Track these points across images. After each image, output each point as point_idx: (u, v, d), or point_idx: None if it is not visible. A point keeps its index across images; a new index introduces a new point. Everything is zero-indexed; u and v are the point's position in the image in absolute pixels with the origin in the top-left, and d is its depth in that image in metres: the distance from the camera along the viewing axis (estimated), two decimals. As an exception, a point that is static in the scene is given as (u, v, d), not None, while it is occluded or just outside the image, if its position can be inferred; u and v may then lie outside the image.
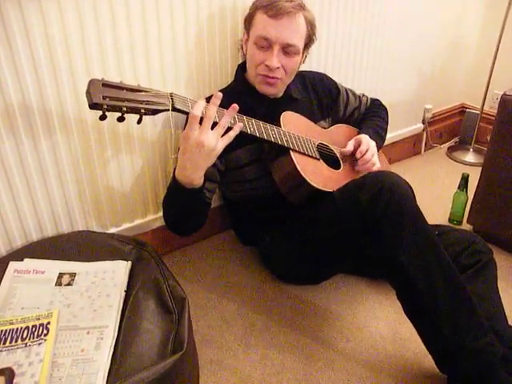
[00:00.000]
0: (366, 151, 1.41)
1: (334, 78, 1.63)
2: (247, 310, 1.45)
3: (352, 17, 1.81)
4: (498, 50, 2.25)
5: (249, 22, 1.32)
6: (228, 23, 1.47)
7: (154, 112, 1.01)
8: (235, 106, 1.07)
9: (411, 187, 1.19)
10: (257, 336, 1.36)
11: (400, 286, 1.15)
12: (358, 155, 1.41)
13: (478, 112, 2.46)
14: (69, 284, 1.18)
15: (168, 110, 1.02)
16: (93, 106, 0.94)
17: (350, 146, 1.44)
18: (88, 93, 0.94)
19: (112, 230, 1.51)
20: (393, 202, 1.11)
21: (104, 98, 0.95)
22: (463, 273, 1.28)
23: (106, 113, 0.95)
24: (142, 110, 0.98)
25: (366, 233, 1.16)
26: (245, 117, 1.17)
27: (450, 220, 1.92)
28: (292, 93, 1.45)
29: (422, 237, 1.11)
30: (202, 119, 1.03)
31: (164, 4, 1.31)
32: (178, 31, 1.37)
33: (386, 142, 1.97)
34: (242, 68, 1.42)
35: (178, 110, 1.04)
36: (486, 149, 2.45)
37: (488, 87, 2.34)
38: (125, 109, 0.96)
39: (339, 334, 1.37)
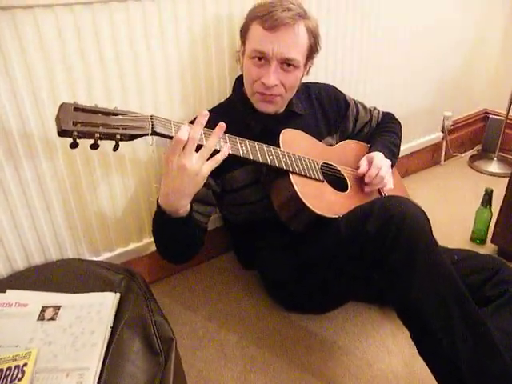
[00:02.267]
0: (377, 174, 1.28)
1: (343, 90, 1.51)
2: (248, 342, 1.34)
3: (363, 25, 1.70)
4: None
5: (244, 33, 1.22)
6: (225, 32, 1.37)
7: (132, 137, 0.91)
8: (222, 125, 0.97)
9: (426, 215, 1.06)
10: (257, 372, 1.25)
11: (413, 326, 1.03)
12: (366, 180, 1.29)
13: (502, 118, 2.31)
14: (52, 318, 1.10)
15: (147, 134, 0.92)
16: (62, 133, 0.84)
17: (363, 167, 1.32)
18: (57, 119, 0.85)
19: (105, 256, 1.42)
20: (404, 233, 0.99)
21: (75, 123, 0.86)
22: (487, 305, 1.15)
23: (78, 140, 0.86)
24: (118, 136, 0.89)
25: (374, 266, 1.04)
26: (238, 138, 1.07)
27: (471, 239, 1.78)
28: (295, 107, 1.33)
29: (437, 272, 0.98)
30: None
31: (152, 14, 1.21)
32: (169, 44, 1.28)
33: (402, 153, 1.87)
34: (240, 81, 1.32)
35: (159, 134, 0.94)
36: (511, 157, 2.34)
37: (514, 91, 2.19)
38: (98, 135, 0.87)
39: (347, 371, 1.24)
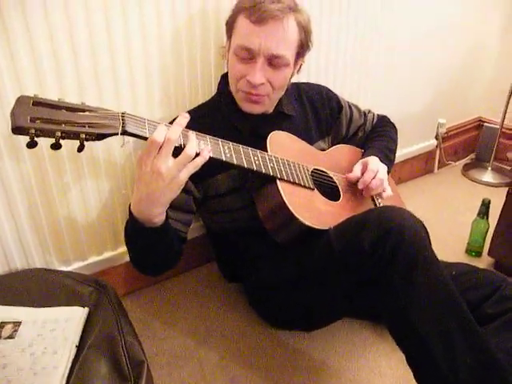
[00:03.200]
0: (372, 180, 1.19)
1: (335, 92, 1.42)
2: (229, 361, 1.24)
3: (358, 27, 1.62)
4: (520, 58, 2.03)
5: (230, 26, 1.12)
6: (211, 26, 1.27)
7: (100, 137, 0.81)
8: (186, 115, 0.87)
9: (425, 228, 0.98)
10: (238, 396, 1.15)
11: (410, 349, 0.93)
12: (360, 185, 1.20)
13: (497, 126, 2.25)
14: (10, 336, 0.99)
15: (117, 133, 0.81)
16: (16, 130, 0.74)
17: (356, 172, 1.22)
18: (12, 114, 0.75)
19: (76, 265, 1.31)
20: (402, 248, 0.90)
21: (33, 120, 0.75)
22: (487, 324, 1.06)
23: (36, 139, 0.75)
24: (83, 135, 0.78)
25: (368, 283, 0.95)
26: (220, 140, 0.97)
27: (467, 251, 1.70)
28: (284, 108, 1.24)
29: (439, 293, 0.90)
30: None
31: (132, 4, 1.11)
32: (150, 39, 1.18)
33: (395, 160, 1.78)
34: (225, 79, 1.22)
35: (131, 134, 0.83)
36: (506, 167, 2.27)
37: (509, 99, 2.13)
38: (59, 134, 0.76)
39: (336, 395, 1.15)
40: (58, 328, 1.00)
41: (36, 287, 1.11)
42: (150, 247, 1.01)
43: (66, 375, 0.89)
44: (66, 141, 0.78)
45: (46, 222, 1.20)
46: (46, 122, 0.76)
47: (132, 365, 0.93)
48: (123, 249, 1.38)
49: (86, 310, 1.04)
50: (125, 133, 0.83)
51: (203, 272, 1.57)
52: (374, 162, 1.24)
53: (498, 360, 0.89)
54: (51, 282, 1.13)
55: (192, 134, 0.89)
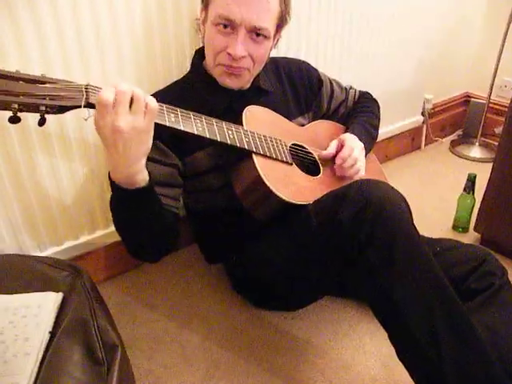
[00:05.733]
0: (349, 156, 1.16)
1: (316, 67, 1.37)
2: (212, 343, 1.21)
3: (340, 3, 1.58)
4: (507, 31, 2.00)
5: None
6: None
7: (61, 110, 0.76)
8: None
9: (407, 202, 0.94)
10: (220, 378, 1.12)
11: (392, 327, 0.91)
12: (337, 161, 1.16)
13: (484, 102, 2.23)
14: (-19, 325, 0.95)
15: (80, 106, 0.77)
16: (-33, 102, 0.69)
17: (331, 148, 1.19)
18: (-37, 86, 0.70)
19: (52, 250, 1.27)
20: (381, 223, 0.87)
21: (-13, 91, 0.70)
22: (472, 299, 1.05)
23: (-9, 112, 0.71)
24: (43, 108, 0.74)
25: (348, 260, 0.92)
26: (192, 113, 0.92)
27: (454, 227, 1.68)
28: (261, 83, 1.19)
29: (420, 268, 0.87)
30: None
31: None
32: (119, 14, 1.12)
33: (381, 137, 1.76)
34: (200, 54, 1.16)
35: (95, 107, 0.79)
36: (493, 142, 2.25)
37: (496, 74, 2.10)
38: (16, 106, 0.72)
39: (320, 374, 1.13)
40: (30, 314, 0.96)
41: (8, 273, 1.07)
42: (140, 217, 0.95)
43: (39, 362, 0.86)
44: (33, 116, 0.75)
45: (16, 205, 1.15)
46: (2, 93, 0.72)
47: (105, 349, 0.90)
48: (101, 232, 1.34)
49: (60, 294, 1.00)
50: (89, 105, 0.78)
51: (184, 254, 1.53)
52: (351, 139, 1.20)
53: (479, 336, 0.87)
54: (23, 268, 1.08)
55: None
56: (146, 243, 1.06)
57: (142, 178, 0.88)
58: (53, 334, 0.92)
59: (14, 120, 0.74)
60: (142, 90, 0.80)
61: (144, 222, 0.98)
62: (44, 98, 0.75)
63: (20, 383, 0.82)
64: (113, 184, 0.89)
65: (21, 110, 0.73)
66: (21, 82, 0.75)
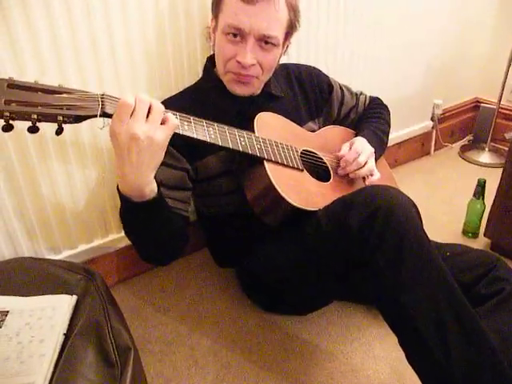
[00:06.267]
0: (354, 160, 1.17)
1: (326, 73, 1.39)
2: (222, 346, 1.23)
3: (350, 9, 1.59)
4: (517, 36, 1.99)
5: (216, 5, 1.08)
6: (195, 5, 1.24)
7: (78, 119, 0.78)
8: None
9: (416, 207, 0.95)
10: (230, 381, 1.13)
11: (402, 332, 0.92)
12: (342, 163, 1.18)
13: (494, 107, 2.22)
14: (-3, 326, 0.98)
15: (96, 115, 0.79)
16: (-10, 113, 0.72)
17: (344, 151, 1.21)
18: (-15, 96, 0.72)
19: (66, 254, 1.29)
20: (390, 227, 0.87)
21: (7, 102, 0.73)
22: (482, 305, 1.05)
23: (11, 122, 0.73)
24: (60, 118, 0.76)
25: (358, 265, 0.93)
26: (204, 121, 0.94)
27: (463, 232, 1.68)
28: (272, 89, 1.21)
29: (429, 274, 0.87)
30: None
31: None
32: (132, 23, 1.15)
33: (390, 142, 1.76)
34: (211, 61, 1.19)
35: (111, 116, 0.81)
36: (503, 148, 2.25)
37: (506, 79, 2.09)
38: (36, 116, 0.74)
39: (330, 378, 1.14)
40: (45, 316, 0.99)
41: (23, 276, 1.09)
42: (149, 226, 0.96)
43: (54, 363, 0.88)
44: (49, 125, 0.77)
45: (32, 209, 1.18)
46: (22, 104, 0.74)
47: (119, 351, 0.92)
48: (114, 236, 1.37)
49: (74, 297, 1.02)
50: (104, 114, 0.80)
51: (195, 259, 1.55)
52: (360, 143, 1.22)
53: (490, 341, 0.87)
54: (38, 271, 1.11)
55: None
56: (154, 249, 1.07)
57: (151, 190, 0.88)
58: (67, 336, 0.94)
59: (33, 130, 0.76)
60: (161, 105, 0.82)
61: (153, 230, 0.99)
62: (61, 108, 0.77)
63: (36, 382, 0.84)
64: (121, 196, 0.90)
65: (39, 120, 0.75)
66: (39, 93, 0.77)
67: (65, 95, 0.79)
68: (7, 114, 0.72)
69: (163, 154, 0.85)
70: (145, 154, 0.81)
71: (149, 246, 1.06)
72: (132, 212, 0.93)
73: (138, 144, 0.79)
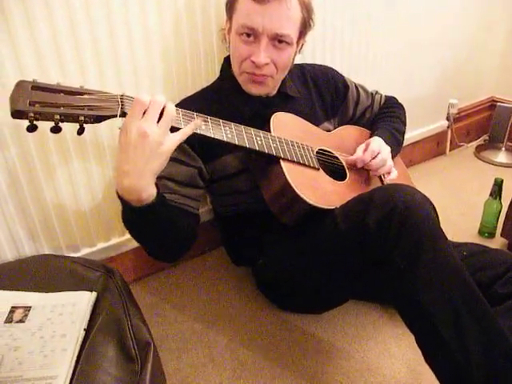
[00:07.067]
0: (372, 159, 1.18)
1: (342, 73, 1.39)
2: (238, 344, 1.24)
3: (365, 9, 1.60)
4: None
5: (230, 5, 1.10)
6: (212, 5, 1.25)
7: (98, 119, 0.80)
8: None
9: (433, 205, 0.95)
10: (247, 378, 1.15)
11: (420, 331, 0.92)
12: (358, 164, 1.19)
13: (510, 106, 2.21)
14: (21, 321, 1.00)
15: (116, 116, 0.81)
16: (16, 114, 0.74)
17: (358, 153, 1.21)
18: (11, 98, 0.75)
19: (85, 251, 1.32)
20: (408, 226, 0.88)
21: (32, 103, 0.75)
22: (499, 304, 1.04)
23: (35, 122, 0.76)
24: (82, 118, 0.78)
25: (375, 263, 0.93)
26: (221, 121, 0.96)
27: (480, 232, 1.67)
28: (287, 90, 1.22)
29: (447, 272, 0.87)
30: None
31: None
32: (150, 19, 1.17)
33: (405, 142, 1.76)
34: (228, 62, 1.20)
35: (130, 116, 0.83)
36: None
37: (523, 77, 2.07)
38: (58, 116, 0.76)
39: (345, 377, 1.14)
40: (66, 312, 1.01)
41: (44, 273, 1.12)
42: (149, 229, 0.96)
43: (75, 357, 0.90)
44: (69, 125, 0.79)
45: (52, 207, 1.20)
46: (45, 105, 0.76)
47: (139, 346, 0.93)
48: (131, 235, 1.39)
49: (94, 294, 1.04)
50: (124, 114, 0.82)
51: (212, 257, 1.57)
52: (376, 143, 1.22)
53: (509, 341, 0.87)
54: (59, 268, 1.13)
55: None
56: (158, 248, 1.09)
57: (148, 195, 0.87)
58: (87, 331, 0.96)
59: (56, 130, 0.78)
60: (174, 111, 0.84)
61: (154, 232, 0.99)
62: (83, 109, 0.79)
63: (60, 375, 0.87)
64: (120, 199, 0.90)
65: (62, 121, 0.77)
66: (61, 94, 0.79)
67: (86, 96, 0.81)
68: (32, 114, 0.75)
69: (165, 162, 0.85)
70: (149, 154, 0.81)
71: (151, 246, 1.07)
72: (131, 215, 0.93)
73: (146, 142, 0.80)
